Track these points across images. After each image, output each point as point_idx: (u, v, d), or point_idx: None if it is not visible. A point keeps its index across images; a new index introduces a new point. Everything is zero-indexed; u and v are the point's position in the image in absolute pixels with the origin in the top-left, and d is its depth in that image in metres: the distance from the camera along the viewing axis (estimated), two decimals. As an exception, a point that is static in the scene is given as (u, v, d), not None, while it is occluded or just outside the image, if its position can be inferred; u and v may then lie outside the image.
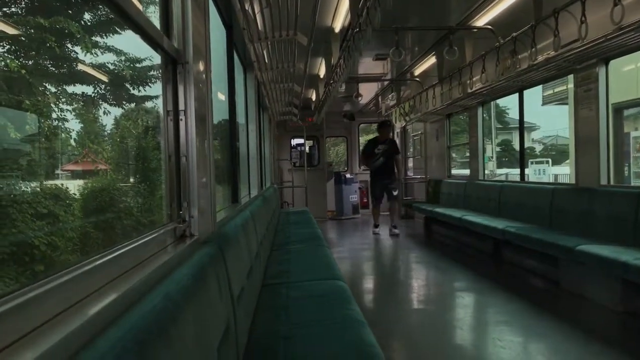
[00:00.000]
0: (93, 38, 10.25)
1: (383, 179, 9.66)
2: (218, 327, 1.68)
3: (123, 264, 1.39)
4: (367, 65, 8.63)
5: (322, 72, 9.03)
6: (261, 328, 2.56)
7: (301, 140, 13.77)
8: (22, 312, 0.88)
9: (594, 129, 5.31)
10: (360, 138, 15.11)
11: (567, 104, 17.65)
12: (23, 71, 8.12)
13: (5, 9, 8.48)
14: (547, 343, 3.70)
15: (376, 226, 9.95)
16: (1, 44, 8.05)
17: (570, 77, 5.90)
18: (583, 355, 3.51)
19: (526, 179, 7.86)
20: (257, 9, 4.13)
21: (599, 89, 5.20)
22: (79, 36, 8.71)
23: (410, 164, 13.53)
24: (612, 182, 5.33)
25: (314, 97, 11.50)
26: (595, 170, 5.32)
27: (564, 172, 21.52)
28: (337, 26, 6.43)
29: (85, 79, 10.25)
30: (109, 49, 10.83)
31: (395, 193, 9.79)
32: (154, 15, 2.15)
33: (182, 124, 2.04)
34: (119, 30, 10.27)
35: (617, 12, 3.93)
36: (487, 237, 6.85)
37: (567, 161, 23.27)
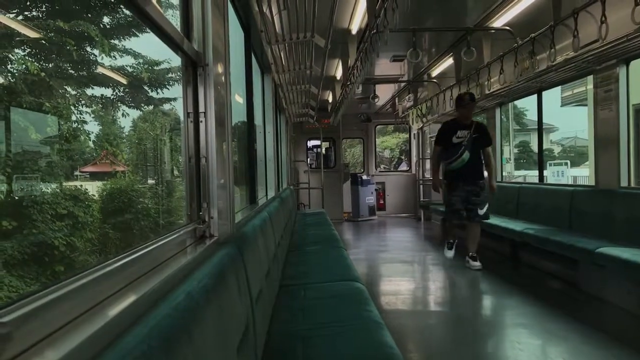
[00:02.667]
0: (113, 41, 10.39)
1: (466, 183, 6.27)
2: (238, 327, 1.69)
3: (145, 263, 1.41)
4: (384, 66, 8.62)
5: (338, 73, 9.04)
6: (279, 329, 2.57)
7: (317, 142, 13.79)
8: (46, 312, 0.89)
9: (614, 130, 5.24)
10: (376, 139, 15.08)
11: (586, 105, 17.45)
12: (43, 74, 8.25)
13: (27, 13, 8.63)
14: (566, 346, 3.66)
15: (451, 245, 6.83)
16: (22, 47, 8.20)
17: (590, 77, 5.84)
18: (602, 358, 3.46)
19: (545, 181, 7.78)
20: (274, 11, 4.15)
21: (619, 89, 5.13)
22: (98, 39, 8.83)
23: (427, 165, 13.47)
24: (632, 184, 5.26)
25: (330, 99, 11.51)
26: (615, 171, 5.25)
27: (583, 174, 21.25)
28: (354, 28, 6.44)
29: (105, 81, 10.38)
30: (127, 51, 10.98)
31: (482, 211, 6.32)
32: (173, 18, 2.17)
33: (202, 126, 2.06)
34: (137, 33, 10.40)
35: (638, 12, 3.87)
36: (505, 239, 6.80)
37: (586, 163, 23.00)
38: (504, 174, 9.01)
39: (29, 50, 8.34)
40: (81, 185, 9.97)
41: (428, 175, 13.27)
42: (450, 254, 6.80)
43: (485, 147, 6.35)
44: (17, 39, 7.88)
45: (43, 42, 8.20)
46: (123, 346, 0.90)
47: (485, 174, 6.45)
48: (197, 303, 1.27)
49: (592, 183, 5.77)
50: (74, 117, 9.46)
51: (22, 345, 0.79)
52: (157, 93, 12.05)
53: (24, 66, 7.91)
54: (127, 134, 13.67)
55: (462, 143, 6.21)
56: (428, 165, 13.43)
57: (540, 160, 7.82)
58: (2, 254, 7.06)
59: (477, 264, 6.27)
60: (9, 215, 7.56)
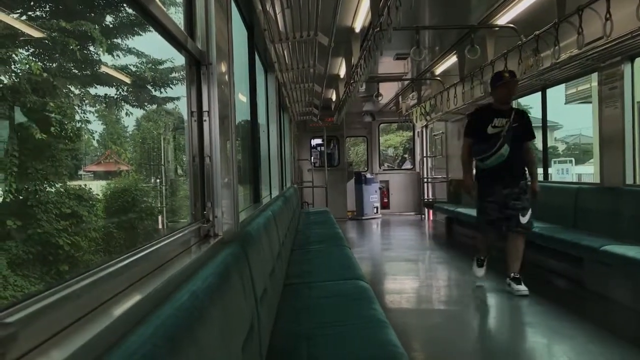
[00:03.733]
0: (117, 40, 10.41)
1: (505, 185, 5.02)
2: (242, 326, 1.69)
3: (150, 263, 1.41)
4: (388, 64, 8.60)
5: (342, 72, 9.03)
6: (284, 328, 2.57)
7: (321, 141, 13.79)
8: (51, 312, 0.89)
9: (619, 127, 5.22)
10: (380, 138, 15.06)
11: (590, 102, 17.41)
12: (45, 74, 8.27)
13: (30, 13, 8.65)
14: (571, 344, 3.65)
15: (481, 262, 5.51)
16: (26, 46, 8.22)
17: (594, 75, 5.81)
18: (608, 357, 3.45)
19: (549, 179, 7.76)
20: (278, 9, 4.15)
21: (624, 87, 5.12)
22: (102, 39, 8.84)
23: (431, 163, 13.45)
24: (638, 182, 5.24)
25: (334, 97, 11.50)
26: (621, 169, 5.23)
27: (588, 171, 21.21)
28: (358, 26, 6.42)
29: (108, 80, 10.39)
30: (131, 51, 10.99)
31: (524, 219, 5.01)
32: (177, 17, 2.17)
33: (205, 125, 2.06)
34: (141, 32, 10.41)
35: (643, 9, 3.86)
36: (509, 237, 6.77)
37: (591, 160, 22.95)
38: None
39: (32, 50, 8.36)
40: (85, 185, 10.00)
41: (433, 173, 13.26)
42: (480, 272, 5.51)
43: (527, 140, 5.11)
44: (21, 38, 7.90)
45: (46, 41, 8.22)
46: (128, 346, 0.89)
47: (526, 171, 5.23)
48: (201, 302, 1.27)
49: (597, 181, 5.75)
50: (77, 117, 9.48)
51: (28, 345, 0.79)
52: (161, 92, 12.06)
53: (27, 66, 7.93)
54: (130, 133, 13.69)
55: (500, 134, 4.93)
56: (431, 163, 13.39)
57: (545, 158, 7.79)
58: (7, 253, 7.09)
59: (523, 288, 4.92)
60: (13, 214, 7.59)
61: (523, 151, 5.08)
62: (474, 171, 5.35)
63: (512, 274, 5.07)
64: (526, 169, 5.17)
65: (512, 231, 5.07)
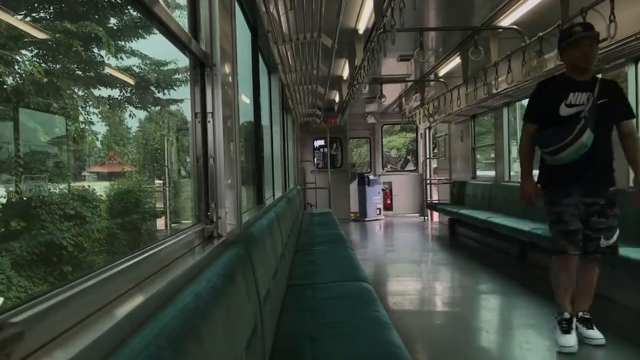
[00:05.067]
0: (121, 42, 10.44)
1: (587, 190, 3.57)
2: (246, 327, 1.69)
3: (154, 264, 1.41)
4: (391, 66, 8.61)
5: (345, 73, 9.04)
6: (287, 329, 2.57)
7: (324, 142, 13.80)
8: (56, 312, 0.90)
9: (623, 130, 5.20)
10: (383, 139, 15.06)
11: (594, 104, 17.32)
12: (50, 75, 8.30)
13: (34, 14, 8.68)
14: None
15: (567, 322, 3.60)
16: (30, 47, 8.25)
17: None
18: (612, 359, 3.44)
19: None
20: (281, 11, 4.16)
21: (628, 88, 5.10)
22: (106, 40, 8.86)
23: (434, 164, 13.44)
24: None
25: (337, 99, 11.52)
26: (625, 171, 5.21)
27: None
28: (361, 27, 6.43)
29: (112, 82, 10.42)
30: (134, 52, 11.02)
31: (609, 241, 3.68)
32: (181, 20, 2.18)
33: (209, 126, 2.07)
34: (145, 34, 10.44)
35: (647, 11, 3.85)
36: (513, 239, 6.76)
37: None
38: (511, 173, 8.96)
39: (36, 51, 8.40)
40: (89, 186, 10.02)
41: (436, 175, 13.24)
42: (568, 340, 3.50)
43: (620, 120, 3.55)
44: (26, 40, 7.92)
45: (50, 43, 8.25)
46: (132, 347, 0.90)
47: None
48: (205, 303, 1.27)
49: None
50: (81, 118, 9.51)
51: (33, 345, 0.80)
52: (164, 94, 12.09)
53: (31, 67, 7.96)
54: (134, 134, 13.73)
55: (579, 115, 3.40)
56: (435, 164, 13.38)
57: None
58: (11, 254, 7.11)
59: (597, 335, 3.58)
60: (17, 215, 7.61)
61: (620, 137, 3.59)
62: (544, 171, 3.77)
63: (581, 314, 3.69)
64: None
65: (588, 256, 3.64)
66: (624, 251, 4.29)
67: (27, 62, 8.00)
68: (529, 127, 3.69)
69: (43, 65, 8.34)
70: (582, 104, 3.44)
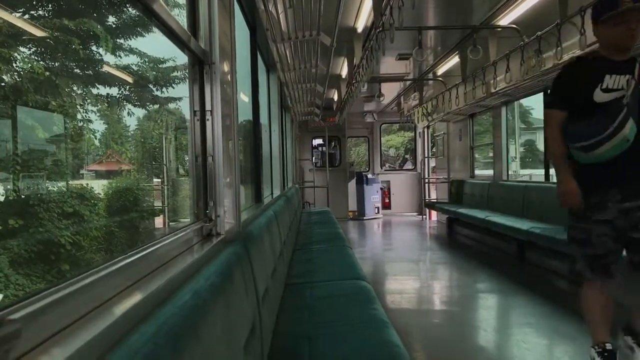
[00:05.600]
0: (119, 40, 10.42)
1: (629, 191, 2.80)
2: (244, 325, 1.69)
3: (152, 262, 1.41)
4: (390, 65, 8.61)
5: (344, 72, 9.03)
6: (285, 327, 2.57)
7: (322, 141, 13.81)
8: (54, 310, 0.89)
9: (621, 129, 5.20)
10: (381, 138, 15.07)
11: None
12: (48, 73, 8.28)
13: (33, 12, 8.66)
14: (574, 346, 3.64)
15: (610, 355, 2.89)
16: (29, 45, 8.23)
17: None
18: (610, 358, 3.45)
19: (550, 180, 7.75)
20: (280, 9, 4.15)
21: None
22: (105, 38, 8.85)
23: (433, 163, 13.45)
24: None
25: (335, 97, 11.52)
26: None
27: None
28: (360, 26, 6.43)
29: (111, 80, 10.41)
30: (133, 50, 11.00)
31: None
32: (180, 17, 2.18)
33: (208, 124, 2.07)
34: (144, 31, 10.43)
35: (645, 10, 3.84)
36: (511, 238, 6.77)
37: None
38: (509, 172, 8.98)
39: (35, 48, 8.38)
40: (87, 184, 10.00)
41: (434, 174, 13.24)
42: None
43: None
44: (23, 37, 7.91)
45: (49, 40, 8.23)
46: (131, 344, 0.90)
47: None
48: (204, 301, 1.27)
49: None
50: (79, 116, 9.49)
51: (32, 342, 0.80)
52: (163, 92, 12.07)
53: (29, 65, 7.94)
54: (132, 132, 13.71)
55: (620, 102, 2.77)
56: (433, 163, 13.39)
57: (547, 159, 7.78)
58: (9, 252, 7.09)
59: None
60: (15, 213, 7.59)
61: None
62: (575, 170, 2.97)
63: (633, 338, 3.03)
64: None
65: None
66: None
67: (25, 60, 7.98)
68: (556, 114, 2.99)
69: (42, 63, 8.32)
70: (622, 88, 2.78)
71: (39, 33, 8.03)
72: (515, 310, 4.75)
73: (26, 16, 8.47)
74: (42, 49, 8.48)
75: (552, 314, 4.38)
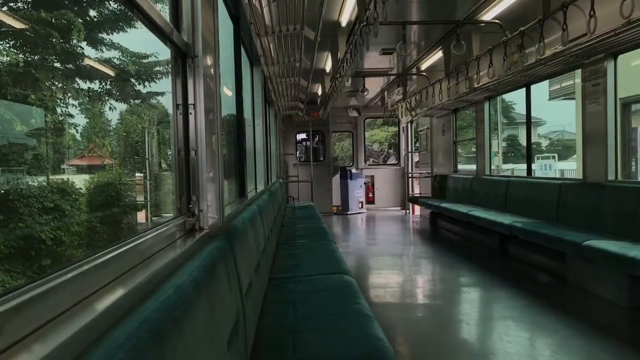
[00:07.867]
0: (101, 34, 10.29)
1: None
2: (228, 320, 1.69)
3: (134, 257, 1.40)
4: (374, 59, 8.61)
5: (328, 66, 9.02)
6: (269, 322, 2.57)
7: (306, 135, 13.80)
8: (34, 306, 0.88)
9: (602, 124, 5.28)
10: (365, 133, 15.09)
11: (574, 98, 17.56)
12: (27, 66, 8.15)
13: (11, 4, 8.51)
14: (554, 338, 3.69)
15: None
16: (7, 38, 8.09)
17: (578, 71, 5.87)
18: (589, 350, 3.50)
19: (532, 174, 7.83)
20: (264, 2, 4.13)
21: (607, 83, 5.17)
22: (85, 31, 8.72)
23: (416, 157, 13.50)
24: (619, 177, 5.30)
25: (319, 92, 11.50)
26: (603, 165, 5.29)
27: (571, 167, 21.43)
28: (344, 20, 6.41)
29: (92, 74, 10.27)
30: (114, 45, 10.87)
31: None
32: (163, 9, 2.15)
33: (191, 118, 2.04)
34: (126, 25, 10.30)
35: (626, 6, 3.90)
36: (493, 232, 6.83)
37: (574, 156, 23.18)
38: (492, 167, 9.05)
39: (13, 41, 8.23)
40: (68, 179, 9.88)
41: (417, 169, 13.29)
42: None
43: None
44: (2, 29, 7.77)
45: (27, 33, 8.09)
46: (113, 340, 0.89)
47: None
48: (187, 296, 1.27)
49: (580, 177, 5.81)
50: (59, 110, 9.37)
51: (11, 338, 0.78)
52: (145, 86, 11.95)
53: (7, 57, 7.81)
54: (114, 127, 13.57)
55: None
56: (417, 158, 13.44)
57: (529, 154, 7.86)
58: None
59: None
60: (-5, 208, 7.48)
61: None
62: None
63: None
64: None
65: None
66: (600, 244, 4.37)
67: (3, 52, 7.85)
68: None
69: (20, 55, 8.18)
70: None
71: (17, 25, 7.90)
72: (497, 303, 4.80)
73: (4, 8, 8.32)
74: (21, 42, 8.34)
75: (533, 307, 4.43)
